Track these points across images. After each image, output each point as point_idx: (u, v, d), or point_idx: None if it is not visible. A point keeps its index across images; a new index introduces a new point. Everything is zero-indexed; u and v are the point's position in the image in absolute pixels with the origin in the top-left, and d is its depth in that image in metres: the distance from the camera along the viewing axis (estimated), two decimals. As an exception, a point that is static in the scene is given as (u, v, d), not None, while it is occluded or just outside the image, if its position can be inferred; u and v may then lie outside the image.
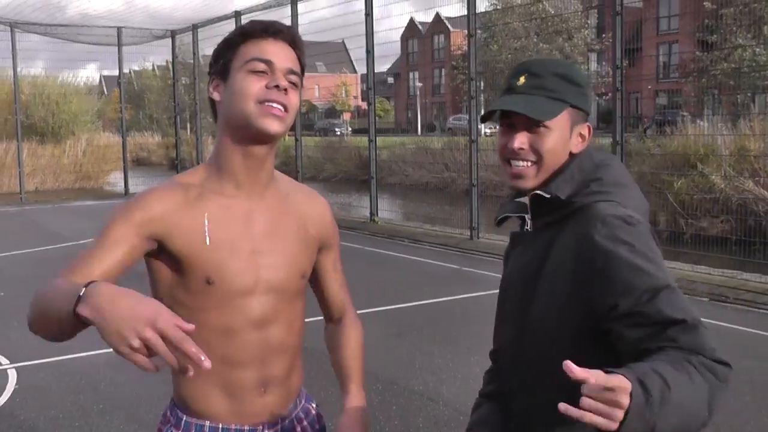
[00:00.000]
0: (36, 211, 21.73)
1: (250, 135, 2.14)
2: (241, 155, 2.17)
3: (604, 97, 36.72)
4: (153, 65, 67.12)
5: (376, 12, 17.09)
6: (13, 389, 6.94)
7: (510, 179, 2.19)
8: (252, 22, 2.23)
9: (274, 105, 2.11)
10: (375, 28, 17.08)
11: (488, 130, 32.42)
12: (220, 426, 2.20)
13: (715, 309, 9.18)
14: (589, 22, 41.62)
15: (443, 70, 62.28)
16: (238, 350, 2.18)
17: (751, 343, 7.99)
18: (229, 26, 22.27)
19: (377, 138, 17.60)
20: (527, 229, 2.24)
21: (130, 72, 58.97)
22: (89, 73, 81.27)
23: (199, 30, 24.66)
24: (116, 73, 27.83)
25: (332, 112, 74.16)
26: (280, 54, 2.15)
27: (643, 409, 1.57)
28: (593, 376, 1.54)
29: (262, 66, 2.12)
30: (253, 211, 2.21)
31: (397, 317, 9.01)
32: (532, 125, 2.12)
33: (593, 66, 40.35)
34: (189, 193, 2.15)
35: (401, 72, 67.86)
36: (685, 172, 15.06)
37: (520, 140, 2.13)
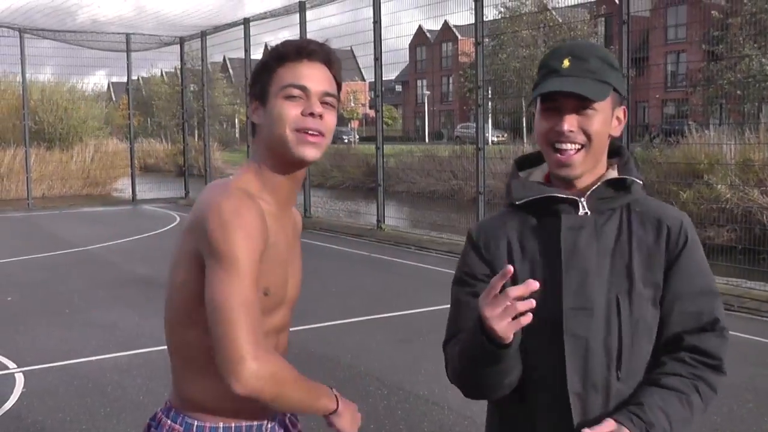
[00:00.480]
0: (43, 217, 21.83)
1: (288, 160, 2.23)
2: (283, 176, 2.27)
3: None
4: (161, 72, 67.36)
5: (385, 20, 17.19)
6: (20, 392, 7.00)
7: (556, 167, 2.19)
8: (286, 43, 2.28)
9: (310, 132, 2.19)
10: (384, 36, 17.18)
11: (495, 138, 32.46)
12: (233, 425, 2.27)
13: (721, 317, 9.21)
14: (597, 30, 41.65)
15: (451, 77, 62.38)
16: None
17: (754, 351, 8.04)
18: (238, 33, 22.38)
19: (384, 146, 17.70)
20: (586, 213, 2.20)
21: (138, 78, 59.10)
22: (97, 80, 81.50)
23: (207, 37, 24.76)
24: (124, 79, 27.92)
25: (340, 120, 74.34)
26: (315, 77, 2.22)
27: None
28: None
29: (297, 92, 2.19)
30: (286, 227, 2.33)
31: (402, 323, 9.04)
32: (580, 108, 2.14)
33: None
34: (262, 207, 2.18)
35: (409, 80, 67.94)
36: (690, 182, 15.08)
37: (570, 122, 2.14)
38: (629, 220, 2.22)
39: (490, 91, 24.49)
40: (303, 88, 2.20)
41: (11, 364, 7.80)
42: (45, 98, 32.62)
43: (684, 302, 2.16)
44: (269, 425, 2.35)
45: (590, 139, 2.15)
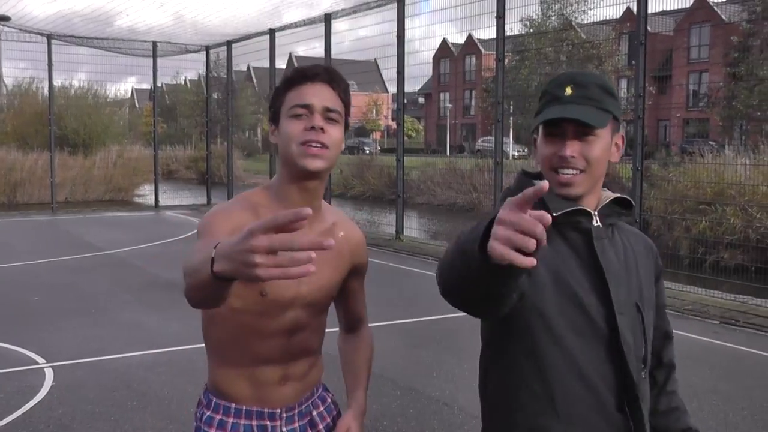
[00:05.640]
0: (68, 221, 22.06)
1: (298, 172, 2.43)
2: (297, 189, 2.48)
3: (630, 123, 36.84)
4: (185, 80, 67.81)
5: (412, 33, 17.38)
6: (50, 386, 7.30)
7: (558, 187, 2.25)
8: (294, 69, 2.50)
9: (313, 145, 2.38)
10: (410, 48, 17.35)
11: (516, 153, 32.62)
12: (244, 408, 2.55)
13: (725, 331, 9.48)
14: (620, 48, 41.75)
15: (474, 91, 62.44)
16: (267, 350, 2.53)
17: (755, 364, 8.32)
18: (263, 43, 22.59)
19: (405, 158, 17.93)
20: (598, 225, 2.29)
21: (162, 86, 59.41)
22: (128, 87, 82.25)
23: (233, 45, 25.02)
24: (147, 86, 28.19)
25: (362, 131, 74.54)
26: (317, 95, 2.42)
27: None
28: None
29: (301, 110, 2.40)
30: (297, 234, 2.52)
31: (417, 329, 9.33)
32: (581, 134, 2.23)
33: (623, 92, 40.54)
34: (258, 213, 2.45)
35: (432, 92, 67.99)
36: (704, 209, 15.24)
37: (572, 148, 2.22)
38: (621, 236, 2.37)
39: (511, 107, 24.72)
40: (306, 106, 2.41)
41: (41, 360, 8.09)
42: (69, 104, 32.98)
43: (661, 314, 2.49)
44: (285, 414, 2.57)
45: (590, 165, 2.24)
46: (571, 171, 2.23)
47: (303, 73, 2.47)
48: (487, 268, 1.70)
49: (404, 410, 6.63)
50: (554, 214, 2.03)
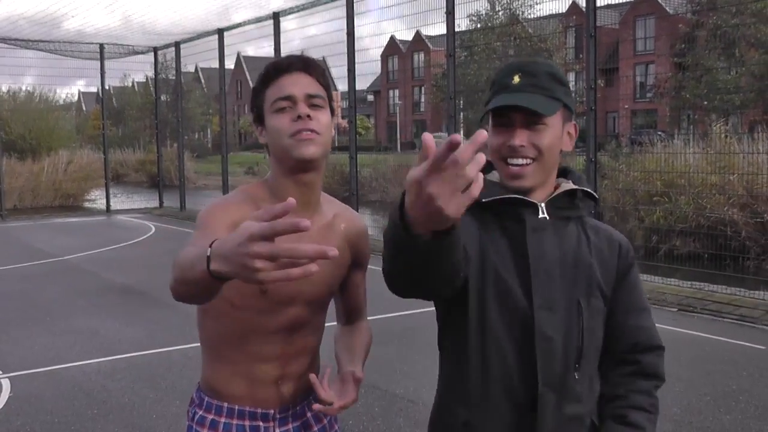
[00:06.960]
0: (18, 228, 21.73)
1: (294, 165, 2.37)
2: (293, 183, 2.41)
3: (582, 116, 37.11)
4: (133, 82, 67.19)
5: (360, 30, 17.33)
6: (8, 397, 7.16)
7: (508, 179, 2.22)
8: (268, 64, 2.46)
9: (304, 133, 2.33)
10: (359, 46, 17.23)
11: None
12: (236, 407, 2.49)
13: (684, 318, 9.62)
14: (567, 42, 42.01)
15: (423, 87, 62.51)
16: (267, 349, 2.47)
17: (714, 350, 8.40)
18: (212, 43, 22.41)
19: (358, 155, 17.86)
20: (545, 217, 2.23)
21: (109, 88, 58.80)
22: (71, 91, 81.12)
23: (181, 46, 24.81)
24: (94, 89, 27.84)
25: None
26: (297, 84, 2.37)
27: None
28: None
29: (284, 103, 2.35)
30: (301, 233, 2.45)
31: (377, 327, 9.15)
32: (530, 123, 2.17)
33: (572, 86, 40.82)
34: (258, 207, 2.35)
35: (381, 90, 67.97)
36: (656, 200, 15.41)
37: (521, 137, 2.17)
38: (585, 230, 2.31)
39: (461, 102, 24.81)
40: (288, 98, 2.35)
41: (-4, 370, 7.96)
42: (15, 108, 32.42)
43: (634, 316, 2.32)
44: (278, 415, 2.52)
45: (541, 154, 2.19)
46: (520, 161, 2.19)
47: (277, 66, 2.42)
48: (416, 238, 1.70)
49: (369, 409, 6.61)
50: (483, 200, 2.15)
